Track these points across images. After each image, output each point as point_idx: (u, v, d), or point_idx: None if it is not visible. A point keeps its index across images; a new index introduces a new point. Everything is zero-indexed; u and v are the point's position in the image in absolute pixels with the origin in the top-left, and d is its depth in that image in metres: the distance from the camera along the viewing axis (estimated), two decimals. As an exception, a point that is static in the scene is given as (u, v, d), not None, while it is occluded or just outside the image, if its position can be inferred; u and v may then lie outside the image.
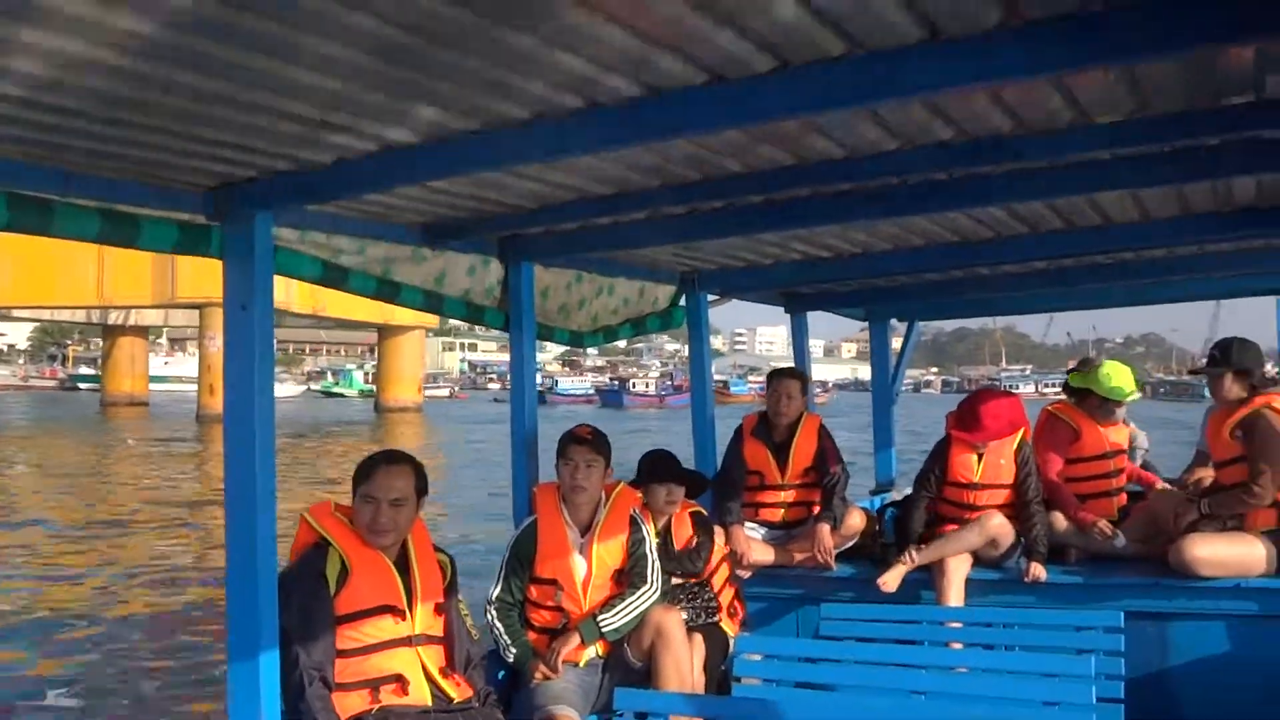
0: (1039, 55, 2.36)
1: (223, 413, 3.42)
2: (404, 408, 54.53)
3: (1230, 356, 5.09)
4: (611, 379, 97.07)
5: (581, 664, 4.25)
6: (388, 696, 3.50)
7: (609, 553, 4.35)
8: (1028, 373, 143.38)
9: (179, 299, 43.86)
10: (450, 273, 4.63)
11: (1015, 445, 5.40)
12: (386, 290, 4.35)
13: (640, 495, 4.67)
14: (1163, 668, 4.87)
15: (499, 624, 4.30)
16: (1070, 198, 4.45)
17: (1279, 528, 4.82)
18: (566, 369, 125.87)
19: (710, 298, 6.24)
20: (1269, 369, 5.21)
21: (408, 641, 3.58)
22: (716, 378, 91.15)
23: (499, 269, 4.84)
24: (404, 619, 3.58)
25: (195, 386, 64.29)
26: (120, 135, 2.80)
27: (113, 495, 21.06)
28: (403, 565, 3.65)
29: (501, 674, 4.27)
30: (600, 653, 4.31)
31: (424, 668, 3.59)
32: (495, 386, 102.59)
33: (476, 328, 5.02)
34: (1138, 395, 5.89)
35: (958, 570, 5.16)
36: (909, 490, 6.90)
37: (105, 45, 2.15)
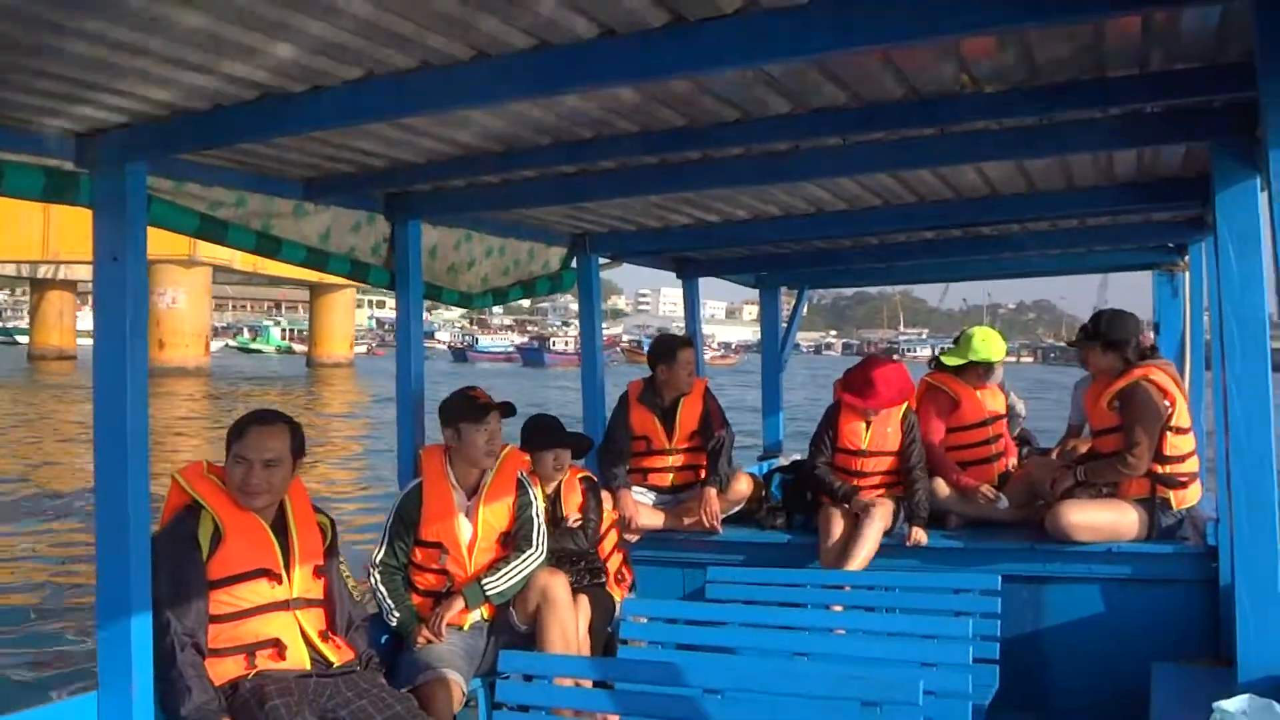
0: (931, 18, 2.36)
1: (94, 368, 3.26)
2: (336, 363, 55.19)
3: (1100, 329, 5.23)
4: (532, 338, 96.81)
5: (466, 627, 4.20)
6: (264, 661, 3.42)
7: (495, 515, 4.29)
8: (924, 337, 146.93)
9: None
10: (334, 229, 4.48)
11: (902, 413, 5.48)
12: (267, 246, 4.19)
13: (528, 459, 4.62)
14: (1036, 629, 5.02)
15: (382, 587, 4.22)
16: (958, 167, 4.50)
17: (1151, 496, 4.98)
18: (476, 327, 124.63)
19: (601, 261, 6.18)
20: (1148, 338, 5.35)
21: (285, 605, 3.49)
22: (626, 338, 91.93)
23: (385, 226, 4.71)
24: (281, 582, 3.49)
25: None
26: None
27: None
28: (280, 527, 3.55)
29: (384, 637, 4.19)
30: (485, 616, 4.26)
31: (302, 631, 3.51)
32: (441, 344, 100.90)
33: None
34: (999, 361, 6.06)
35: (873, 536, 5.21)
36: (796, 456, 7.01)
37: None
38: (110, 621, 3.20)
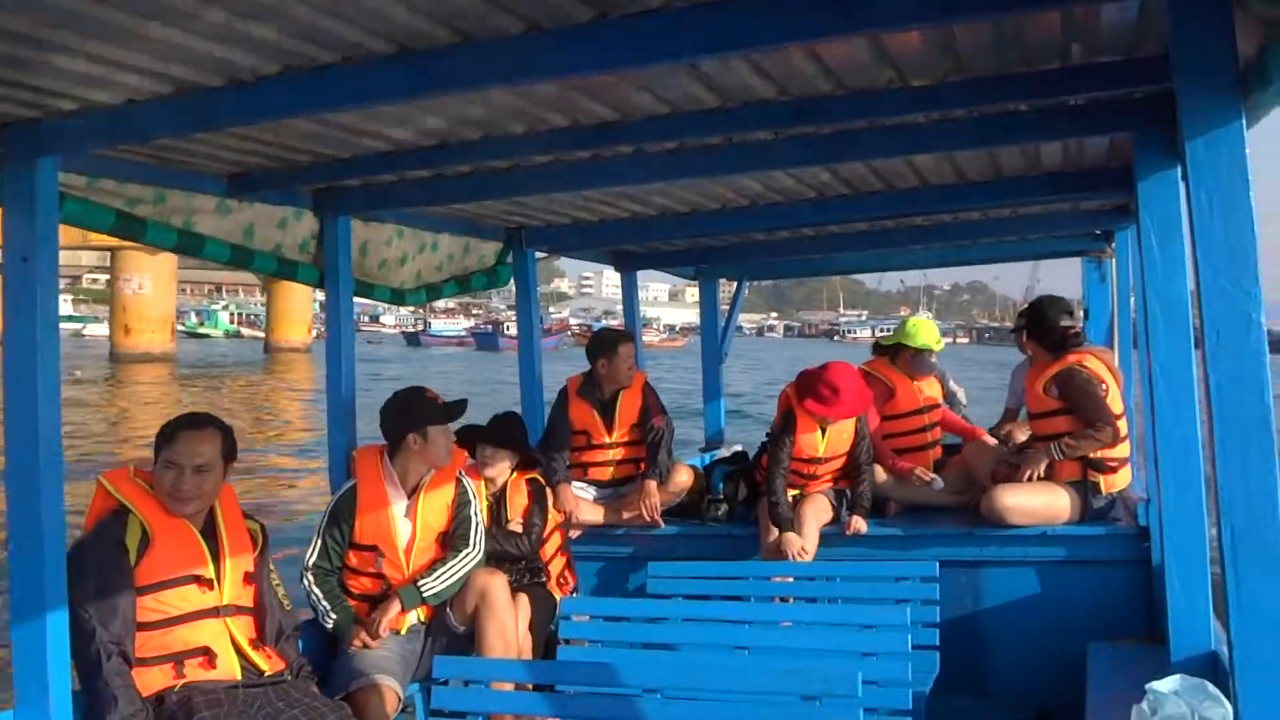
0: (853, 14, 2.35)
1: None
2: (294, 348, 54.35)
3: (1031, 316, 5.32)
4: (485, 323, 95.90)
5: (403, 631, 4.14)
6: (193, 671, 3.34)
7: (434, 515, 4.23)
8: (864, 318, 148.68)
9: (91, 241, 42.71)
10: (259, 226, 4.38)
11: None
12: (189, 243, 4.09)
13: (466, 455, 4.57)
14: (974, 613, 5.06)
15: (317, 590, 4.14)
16: (889, 160, 4.52)
17: (1083, 479, 5.06)
18: (424, 310, 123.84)
19: (538, 255, 6.13)
20: (1078, 322, 5.41)
21: (215, 612, 3.42)
22: (575, 322, 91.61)
23: (313, 222, 4.61)
24: (211, 589, 3.41)
25: (79, 324, 70.22)
26: None
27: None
28: (210, 533, 3.47)
29: (317, 643, 4.11)
30: (422, 618, 4.20)
31: (233, 639, 3.44)
32: (389, 328, 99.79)
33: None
34: (942, 344, 6.10)
35: (814, 526, 5.21)
36: (738, 447, 7.02)
37: None
38: (25, 634, 3.10)
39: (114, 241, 43.70)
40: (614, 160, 4.16)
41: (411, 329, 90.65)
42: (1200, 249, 2.30)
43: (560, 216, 5.71)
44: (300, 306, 56.62)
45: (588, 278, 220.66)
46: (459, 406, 4.32)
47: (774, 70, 3.15)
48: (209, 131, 3.36)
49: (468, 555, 4.20)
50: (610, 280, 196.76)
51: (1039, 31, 2.95)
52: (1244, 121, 2.27)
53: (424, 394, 4.34)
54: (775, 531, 5.24)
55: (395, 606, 4.07)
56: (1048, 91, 3.36)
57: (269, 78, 2.76)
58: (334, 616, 4.09)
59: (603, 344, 5.75)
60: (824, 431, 5.35)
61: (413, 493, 4.22)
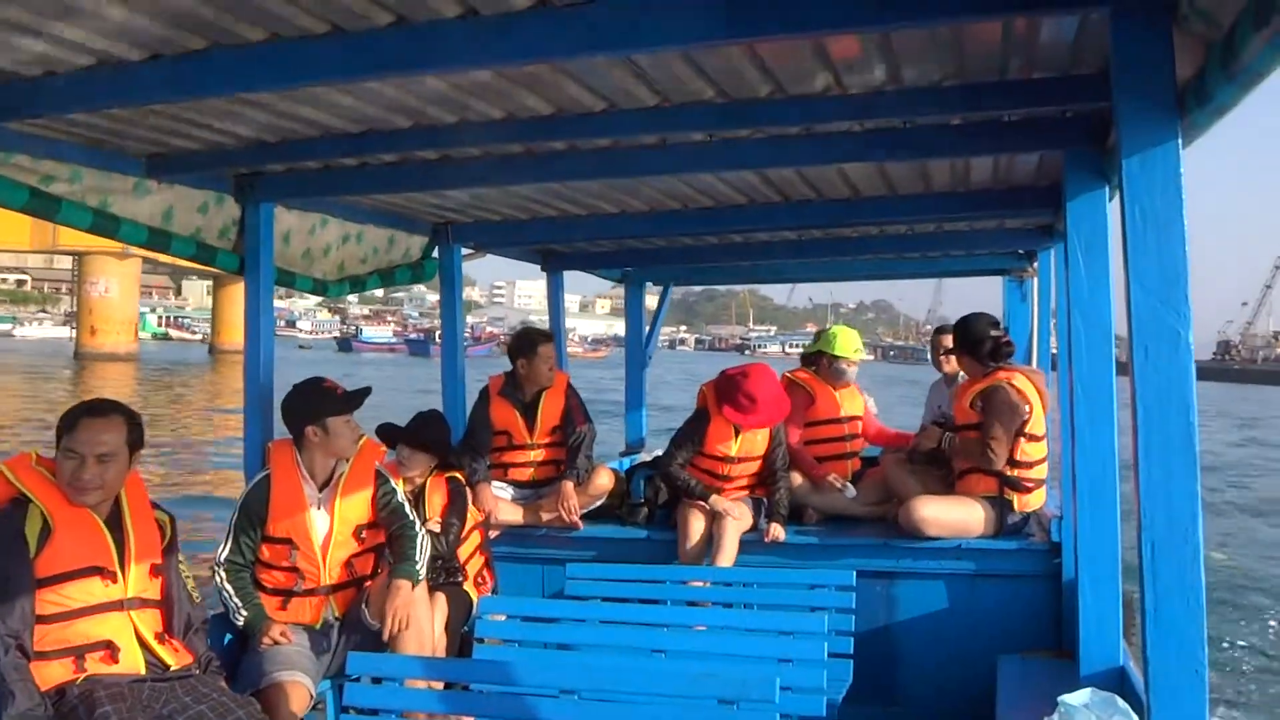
0: (793, 14, 2.35)
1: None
2: (239, 350, 54.52)
3: (962, 334, 5.38)
4: (417, 330, 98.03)
5: (318, 626, 4.05)
6: (95, 665, 3.22)
7: (353, 509, 4.13)
8: (773, 334, 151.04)
9: (60, 246, 46.09)
10: (179, 209, 4.26)
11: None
12: (104, 224, 3.96)
13: (384, 449, 4.48)
14: (888, 623, 5.11)
15: (229, 585, 4.02)
16: (821, 168, 4.55)
17: (998, 494, 5.13)
18: (336, 316, 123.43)
19: (465, 251, 6.06)
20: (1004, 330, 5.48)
21: (119, 605, 3.30)
22: (492, 330, 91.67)
23: (235, 208, 4.50)
24: (115, 581, 3.30)
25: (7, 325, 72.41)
26: None
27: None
28: (115, 524, 3.35)
29: (227, 639, 4.00)
30: (336, 614, 4.11)
31: (137, 633, 3.32)
32: (305, 334, 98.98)
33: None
34: (864, 355, 6.17)
35: (734, 533, 5.22)
36: (659, 452, 7.00)
37: None
38: None
39: (82, 245, 45.09)
40: (546, 156, 4.13)
41: (329, 334, 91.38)
42: (1132, 267, 2.33)
43: (488, 213, 5.65)
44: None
45: (499, 287, 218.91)
46: (358, 395, 4.18)
47: (713, 69, 3.14)
48: (128, 108, 3.25)
49: (419, 533, 4.16)
50: (522, 290, 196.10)
51: (978, 45, 2.98)
52: (1180, 141, 2.31)
53: (322, 384, 4.18)
54: (694, 537, 5.24)
55: (404, 586, 3.97)
56: (983, 105, 3.40)
57: (193, 53, 2.68)
58: (244, 614, 3.98)
59: (523, 343, 5.70)
60: (738, 434, 5.39)
61: (327, 485, 4.12)
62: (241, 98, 3.28)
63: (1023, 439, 5.08)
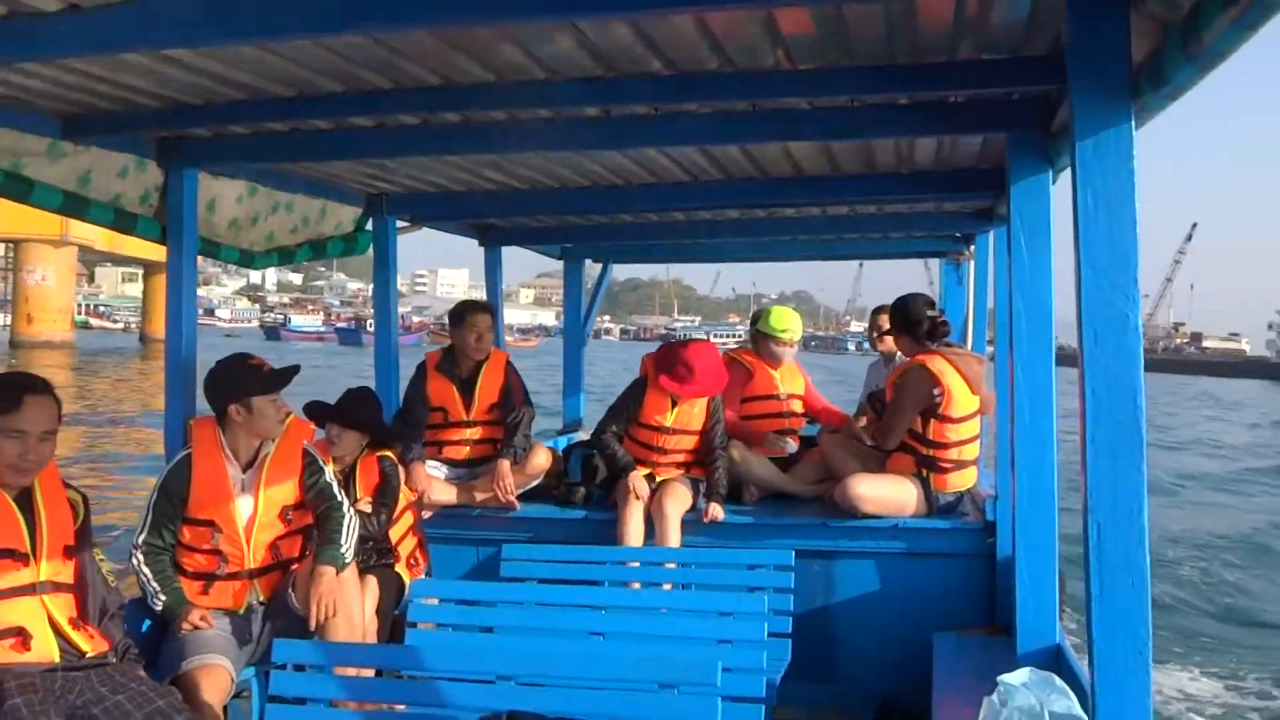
0: None
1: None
2: None
3: (899, 316, 5.39)
4: (347, 319, 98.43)
5: (241, 610, 3.91)
6: (5, 653, 3.08)
7: (279, 490, 3.99)
8: (697, 323, 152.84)
9: None
10: (97, 173, 4.07)
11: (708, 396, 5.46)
12: (15, 187, 3.77)
13: (313, 428, 4.34)
14: (826, 603, 5.11)
15: (146, 569, 3.87)
16: (766, 145, 4.49)
17: (919, 472, 5.17)
18: (252, 303, 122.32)
19: (400, 224, 5.90)
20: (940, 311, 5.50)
21: (31, 589, 3.15)
22: (423, 319, 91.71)
23: (158, 173, 4.31)
24: (27, 564, 3.15)
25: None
26: None
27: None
28: (26, 504, 3.20)
29: (146, 624, 3.85)
30: (261, 599, 3.97)
31: (50, 619, 3.18)
32: (225, 322, 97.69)
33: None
34: (795, 335, 6.16)
35: (675, 514, 5.17)
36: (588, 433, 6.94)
37: None
38: None
39: (20, 233, 45.24)
40: (485, 126, 4.01)
41: (249, 322, 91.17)
42: (1083, 250, 2.31)
43: (424, 184, 5.51)
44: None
45: (421, 275, 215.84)
46: (285, 374, 4.00)
47: (661, 39, 3.06)
48: (40, 62, 3.07)
49: (348, 515, 4.03)
50: (445, 279, 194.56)
51: (931, 24, 2.93)
52: (1134, 124, 2.28)
53: (247, 361, 4.01)
54: (632, 520, 5.17)
55: (329, 572, 3.84)
56: (931, 85, 3.38)
57: (112, 5, 2.53)
58: (163, 598, 3.83)
59: (453, 315, 5.65)
60: (674, 404, 5.40)
61: (251, 466, 3.97)
62: (164, 55, 3.12)
63: (935, 420, 5.11)
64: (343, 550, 3.93)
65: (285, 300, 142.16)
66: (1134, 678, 2.34)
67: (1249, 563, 12.76)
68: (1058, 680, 2.86)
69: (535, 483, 5.59)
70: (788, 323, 6.10)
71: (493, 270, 7.43)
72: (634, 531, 5.15)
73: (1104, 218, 2.28)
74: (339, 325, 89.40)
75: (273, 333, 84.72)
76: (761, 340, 6.14)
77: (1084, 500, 2.35)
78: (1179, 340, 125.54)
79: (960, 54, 3.18)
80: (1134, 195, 2.29)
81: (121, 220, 4.26)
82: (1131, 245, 2.29)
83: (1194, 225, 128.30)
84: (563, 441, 6.81)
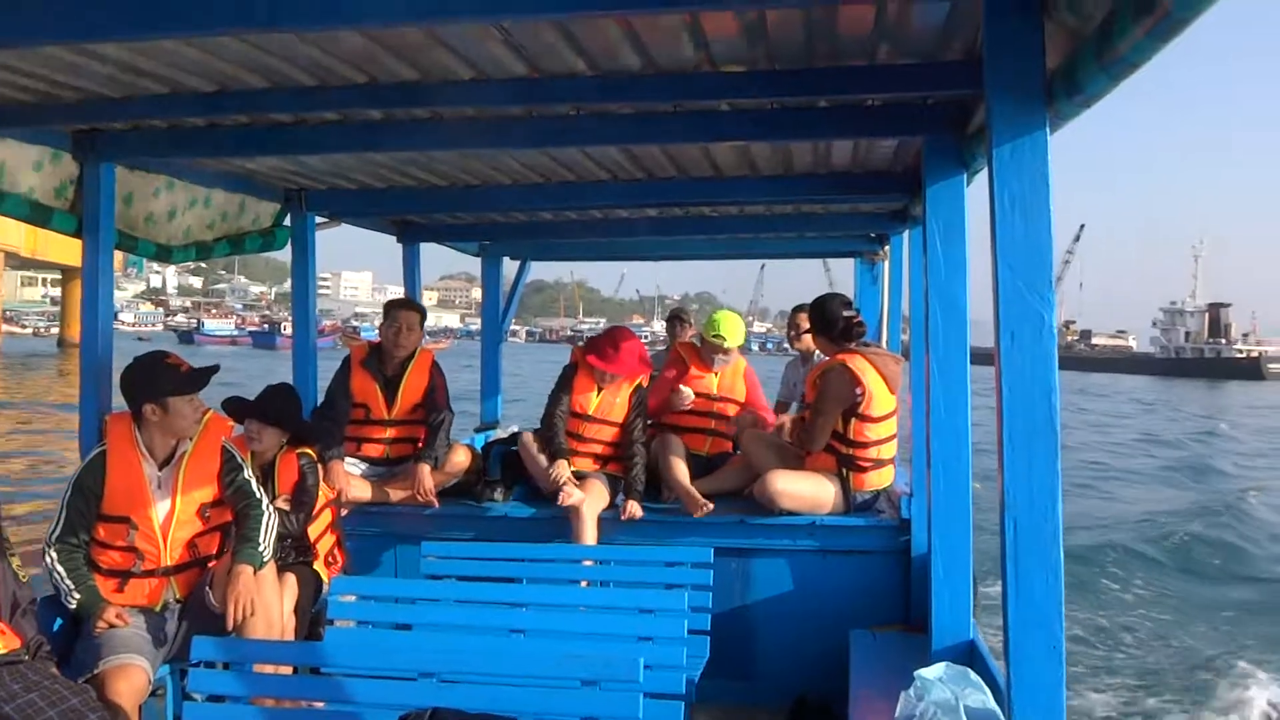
0: None
1: None
2: None
3: (816, 315, 5.48)
4: (263, 322, 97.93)
5: (158, 608, 3.85)
6: None
7: (197, 487, 3.94)
8: (601, 325, 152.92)
9: None
10: (10, 165, 3.98)
11: (632, 387, 5.51)
12: None
13: (231, 425, 4.28)
14: (744, 601, 5.17)
15: (60, 566, 3.79)
16: (685, 146, 4.54)
17: (838, 470, 5.26)
18: (156, 306, 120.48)
19: (318, 220, 5.85)
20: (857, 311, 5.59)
21: None
22: (334, 322, 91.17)
23: (73, 166, 4.22)
24: None
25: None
26: None
27: None
28: None
29: (59, 622, 3.77)
30: (177, 596, 3.92)
31: None
32: (129, 325, 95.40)
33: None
34: (730, 342, 6.04)
35: (591, 513, 5.20)
36: (515, 428, 6.94)
37: None
38: None
39: None
40: (407, 124, 4.01)
41: (153, 326, 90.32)
42: (999, 251, 2.38)
43: (344, 180, 5.47)
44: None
45: (324, 279, 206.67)
46: (203, 374, 3.94)
47: (587, 41, 3.09)
48: None
49: (266, 512, 4.00)
50: (349, 281, 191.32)
51: (851, 28, 3.00)
52: (1048, 129, 2.36)
53: (163, 360, 3.94)
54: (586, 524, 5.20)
55: (246, 571, 3.80)
56: (850, 89, 3.44)
57: None
58: (77, 596, 3.76)
59: (385, 311, 5.63)
60: (599, 392, 5.47)
61: (168, 463, 3.92)
62: (81, 48, 3.06)
63: (855, 419, 5.19)
64: (260, 549, 3.90)
65: (187, 304, 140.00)
66: (1048, 672, 2.41)
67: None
68: (972, 675, 2.96)
69: (455, 481, 5.58)
70: (721, 329, 6.03)
71: (411, 267, 7.38)
72: (589, 531, 5.17)
73: (1020, 221, 2.36)
74: (253, 329, 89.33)
75: (186, 337, 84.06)
76: (703, 343, 6.15)
77: (1000, 498, 2.43)
78: (1070, 338, 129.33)
79: (879, 58, 3.26)
80: (1049, 199, 2.36)
81: (37, 213, 4.17)
82: (1047, 248, 2.37)
83: (1081, 226, 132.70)
84: (480, 439, 6.80)
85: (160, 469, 3.90)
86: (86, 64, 3.25)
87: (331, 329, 77.80)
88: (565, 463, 5.33)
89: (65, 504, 3.87)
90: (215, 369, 4.01)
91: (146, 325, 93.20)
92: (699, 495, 5.36)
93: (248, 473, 4.06)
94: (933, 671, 2.85)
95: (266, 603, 3.88)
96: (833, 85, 3.42)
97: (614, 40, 3.08)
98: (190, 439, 3.94)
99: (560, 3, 2.42)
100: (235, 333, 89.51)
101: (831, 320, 5.35)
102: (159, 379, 3.85)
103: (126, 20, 2.55)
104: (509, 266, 8.50)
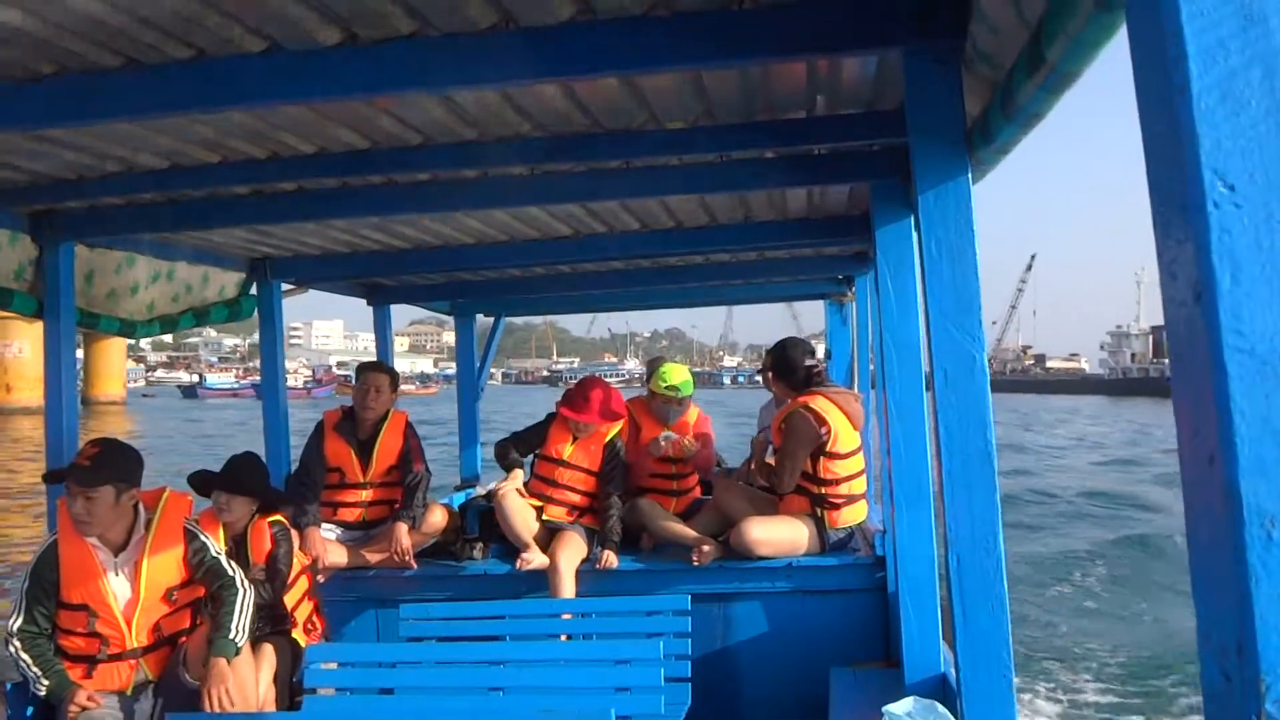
0: (603, 56, 2.38)
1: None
2: (111, 401, 61.41)
3: (777, 360, 5.53)
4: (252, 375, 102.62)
5: (129, 690, 3.82)
6: None
7: (162, 571, 3.87)
8: (576, 365, 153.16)
9: None
10: None
11: (608, 437, 5.52)
12: None
13: (190, 501, 4.24)
14: (724, 645, 5.17)
15: (25, 655, 3.73)
16: (643, 200, 4.60)
17: (812, 510, 5.26)
18: (137, 363, 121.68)
19: (285, 287, 5.87)
20: (819, 359, 5.62)
21: None
22: (335, 371, 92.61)
23: (32, 247, 4.25)
24: None
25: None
26: None
27: None
28: None
29: (30, 710, 3.74)
30: (150, 676, 3.88)
31: None
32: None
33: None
34: (680, 393, 5.97)
35: (569, 566, 5.20)
36: (493, 485, 6.91)
37: None
38: None
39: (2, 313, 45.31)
40: (363, 190, 4.05)
41: (135, 382, 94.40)
42: (930, 294, 2.43)
43: (307, 247, 5.50)
44: (115, 360, 64.69)
45: (296, 328, 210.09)
46: (74, 471, 3.73)
47: (529, 105, 3.15)
48: None
49: (240, 593, 3.95)
50: (320, 330, 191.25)
51: (785, 83, 3.07)
52: (970, 176, 2.43)
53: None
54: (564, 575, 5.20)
55: (220, 664, 3.75)
56: (793, 139, 3.51)
57: None
58: (46, 682, 3.70)
59: (356, 374, 5.66)
60: (574, 440, 5.52)
61: (125, 548, 3.84)
62: (32, 132, 3.10)
63: (824, 458, 5.20)
64: (233, 637, 3.85)
65: (163, 359, 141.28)
66: (999, 701, 2.45)
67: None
68: (939, 707, 2.98)
69: (433, 540, 5.56)
70: (670, 380, 5.96)
71: (383, 329, 7.41)
72: (567, 584, 5.16)
73: (947, 265, 2.41)
74: (253, 381, 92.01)
75: (190, 391, 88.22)
76: (652, 397, 6.09)
77: (943, 533, 2.46)
78: (1026, 362, 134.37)
79: (818, 109, 3.33)
80: (974, 243, 2.42)
81: None
82: (974, 290, 2.42)
83: (1033, 256, 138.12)
84: (460, 498, 6.79)
85: (117, 554, 3.83)
86: (39, 147, 3.30)
87: (329, 379, 78.75)
88: (520, 472, 5.50)
89: (23, 594, 3.81)
90: (74, 467, 3.77)
91: (130, 382, 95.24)
92: (700, 534, 5.38)
93: (214, 550, 4.01)
94: (901, 706, 2.87)
95: (243, 684, 3.85)
96: (776, 137, 3.49)
97: (556, 102, 3.14)
98: (150, 523, 3.89)
99: (495, 73, 2.45)
100: (236, 385, 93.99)
101: (793, 368, 5.41)
102: (60, 474, 3.82)
103: (75, 107, 2.60)
104: (482, 321, 8.54)
